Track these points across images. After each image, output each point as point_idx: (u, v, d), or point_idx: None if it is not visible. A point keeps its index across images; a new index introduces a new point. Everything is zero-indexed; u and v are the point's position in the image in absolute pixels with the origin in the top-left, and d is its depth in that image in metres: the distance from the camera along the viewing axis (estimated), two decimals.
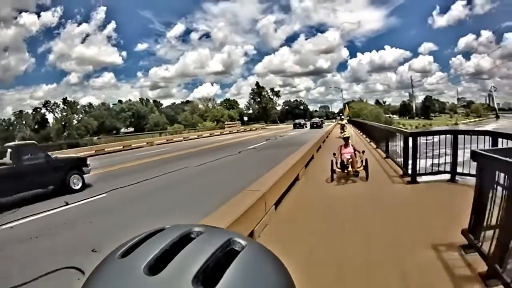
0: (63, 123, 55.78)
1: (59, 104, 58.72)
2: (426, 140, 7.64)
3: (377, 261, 3.50)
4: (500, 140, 5.56)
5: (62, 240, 5.82)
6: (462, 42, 70.95)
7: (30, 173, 8.93)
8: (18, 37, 59.11)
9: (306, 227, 4.91)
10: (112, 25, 66.34)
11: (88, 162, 10.84)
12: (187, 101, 73.77)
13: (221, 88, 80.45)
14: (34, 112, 58.12)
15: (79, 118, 57.08)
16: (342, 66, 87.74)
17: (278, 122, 72.39)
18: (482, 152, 3.30)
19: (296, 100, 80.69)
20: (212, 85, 78.33)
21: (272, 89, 77.53)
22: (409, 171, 7.36)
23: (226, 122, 62.61)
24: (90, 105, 62.82)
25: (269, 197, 4.85)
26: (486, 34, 67.16)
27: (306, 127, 49.48)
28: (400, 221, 4.76)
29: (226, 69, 79.20)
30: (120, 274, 0.40)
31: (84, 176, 10.34)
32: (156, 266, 0.39)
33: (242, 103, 77.76)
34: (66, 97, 60.29)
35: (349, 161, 7.39)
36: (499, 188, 2.93)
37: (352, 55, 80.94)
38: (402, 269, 3.24)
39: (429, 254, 3.47)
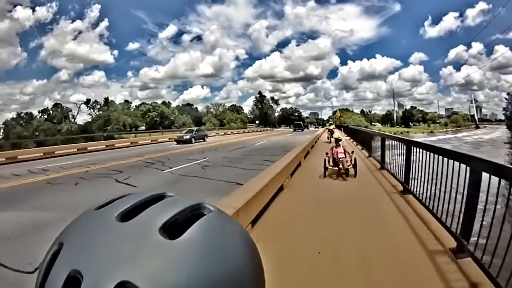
0: (105, 118, 56.06)
1: (100, 102, 58.87)
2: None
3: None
4: None
5: None
6: (453, 53, 66.27)
7: None
8: (11, 31, 55.18)
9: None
10: (105, 23, 61.82)
11: None
12: (188, 104, 70.87)
13: (211, 91, 75.69)
14: (77, 107, 58.02)
15: (117, 116, 57.16)
16: (332, 73, 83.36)
17: (277, 126, 70.63)
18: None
19: (292, 108, 77.01)
20: (202, 88, 74.10)
21: (272, 98, 74.52)
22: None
23: (248, 124, 64.62)
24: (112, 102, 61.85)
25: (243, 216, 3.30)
26: (477, 46, 62.84)
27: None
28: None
29: (217, 72, 73.50)
30: (94, 221, 0.41)
31: None
32: (128, 216, 0.40)
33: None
34: (108, 97, 59.91)
35: (341, 159, 7.38)
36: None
37: (343, 62, 75.40)
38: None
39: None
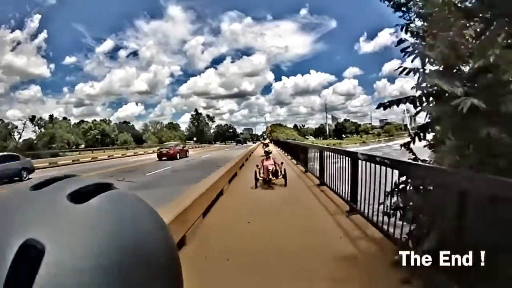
0: (49, 137, 53.59)
1: (44, 119, 56.29)
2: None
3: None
4: None
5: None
6: (387, 67, 67.85)
7: None
8: None
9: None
10: (44, 34, 59.36)
11: None
12: (125, 122, 69.38)
13: (145, 108, 74.84)
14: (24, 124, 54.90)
15: (62, 133, 54.88)
16: (266, 89, 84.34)
17: (213, 142, 70.71)
18: None
19: (227, 125, 76.72)
20: (137, 105, 73.06)
21: (208, 115, 74.03)
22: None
23: (186, 141, 64.38)
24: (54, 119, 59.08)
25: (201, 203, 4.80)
26: (409, 59, 72.99)
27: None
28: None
29: (151, 89, 73.05)
30: (9, 192, 0.42)
31: None
32: (40, 186, 0.41)
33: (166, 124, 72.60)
34: (52, 114, 57.63)
35: (271, 171, 7.70)
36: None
37: (277, 78, 77.29)
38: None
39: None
